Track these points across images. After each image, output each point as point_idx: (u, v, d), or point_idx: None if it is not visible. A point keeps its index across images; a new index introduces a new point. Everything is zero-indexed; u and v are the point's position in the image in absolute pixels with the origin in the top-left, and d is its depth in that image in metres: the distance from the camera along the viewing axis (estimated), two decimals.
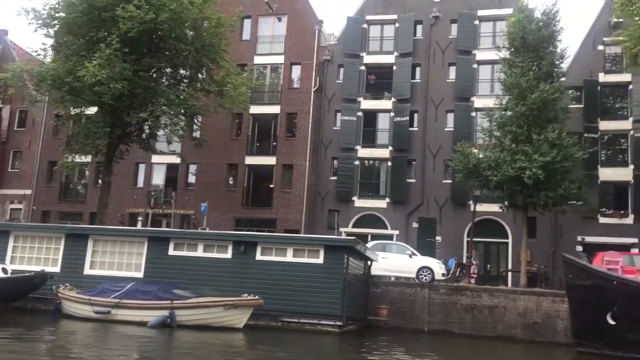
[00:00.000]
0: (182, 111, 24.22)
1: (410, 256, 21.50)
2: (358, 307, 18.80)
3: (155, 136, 25.69)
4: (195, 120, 26.40)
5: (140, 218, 28.06)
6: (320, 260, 16.95)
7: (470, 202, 26.10)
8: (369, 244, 22.20)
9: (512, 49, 22.14)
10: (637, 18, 19.94)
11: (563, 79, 26.69)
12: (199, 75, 24.67)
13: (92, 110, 24.95)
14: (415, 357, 14.78)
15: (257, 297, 15.76)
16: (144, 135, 24.99)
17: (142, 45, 23.20)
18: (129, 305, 15.70)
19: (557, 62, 21.95)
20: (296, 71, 31.10)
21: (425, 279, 21.02)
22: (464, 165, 21.73)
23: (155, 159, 31.25)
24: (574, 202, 21.73)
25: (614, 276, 15.49)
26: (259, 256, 17.42)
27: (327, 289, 16.57)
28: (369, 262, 20.22)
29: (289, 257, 17.25)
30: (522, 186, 20.30)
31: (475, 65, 28.71)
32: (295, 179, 29.96)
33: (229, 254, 17.62)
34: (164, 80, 23.96)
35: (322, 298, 16.52)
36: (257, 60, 31.49)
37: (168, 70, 24.86)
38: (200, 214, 28.31)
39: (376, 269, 21.49)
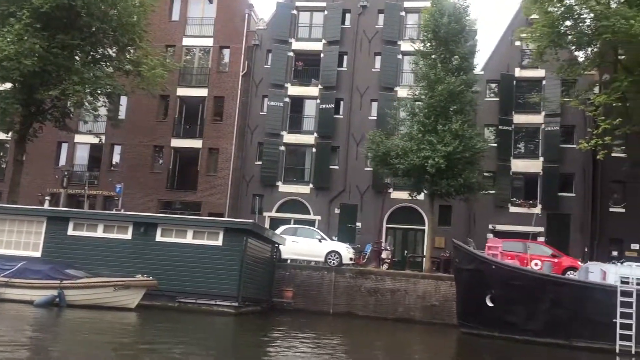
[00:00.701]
0: (98, 91, 23.74)
1: (320, 240, 22.00)
2: (261, 289, 19.16)
3: (69, 115, 25.11)
4: (113, 100, 25.90)
5: (47, 198, 27.44)
6: (219, 242, 17.18)
7: (390, 189, 26.96)
8: (280, 229, 22.57)
9: (426, 41, 22.76)
10: (537, 16, 20.88)
11: (482, 72, 27.90)
12: (115, 54, 24.21)
13: (7, 86, 24.12)
14: (308, 336, 15.20)
15: (150, 277, 15.83)
16: (58, 113, 24.37)
17: (56, 22, 22.57)
18: (17, 285, 15.50)
19: (467, 57, 22.66)
20: (225, 55, 30.93)
21: (333, 263, 21.59)
22: (375, 153, 22.31)
23: (78, 138, 30.59)
24: (481, 191, 22.66)
25: (493, 261, 16.39)
26: (159, 237, 17.49)
27: (224, 270, 16.83)
28: (276, 246, 20.56)
29: (189, 238, 17.40)
30: (426, 175, 21.05)
31: (399, 56, 29.31)
32: (220, 163, 29.98)
33: (129, 235, 17.61)
34: (77, 59, 23.34)
35: (219, 279, 16.77)
36: (186, 41, 31.16)
37: (87, 48, 24.26)
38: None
39: (287, 253, 21.94)
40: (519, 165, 28.15)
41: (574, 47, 22.40)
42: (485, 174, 25.17)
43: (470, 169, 21.27)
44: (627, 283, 15.12)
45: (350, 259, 21.86)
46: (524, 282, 15.59)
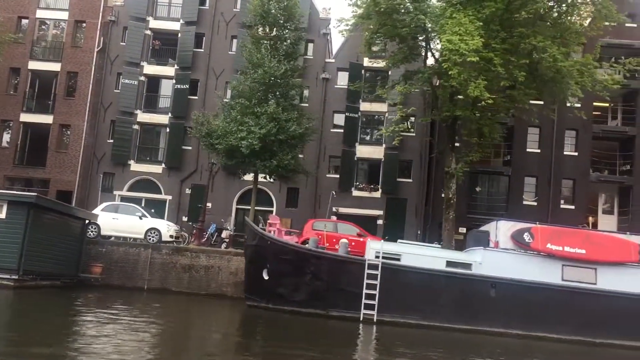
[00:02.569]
0: None
1: (140, 218, 22.22)
2: (62, 264, 19.20)
3: None
4: None
5: None
6: (2, 215, 17.03)
7: (240, 171, 27.46)
8: (101, 205, 22.60)
9: (256, 26, 23.28)
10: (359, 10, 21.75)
11: (333, 60, 28.77)
12: None
13: None
14: (95, 310, 15.28)
15: None
16: None
17: None
18: None
19: (296, 44, 23.38)
20: (80, 30, 30.24)
21: (153, 240, 21.89)
22: (199, 134, 22.70)
23: None
24: (298, 173, 23.54)
25: (269, 237, 17.26)
26: None
27: (6, 243, 16.73)
28: (89, 222, 20.61)
29: None
30: (243, 156, 21.69)
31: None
32: (72, 139, 29.46)
33: None
34: None
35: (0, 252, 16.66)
36: (40, 14, 30.21)
37: None
38: None
39: (107, 230, 22.02)
40: (363, 151, 29.38)
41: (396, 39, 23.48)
42: (300, 156, 25.98)
43: (286, 151, 22.02)
44: (395, 259, 16.31)
45: (171, 236, 22.22)
46: (291, 256, 16.52)
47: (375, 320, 15.65)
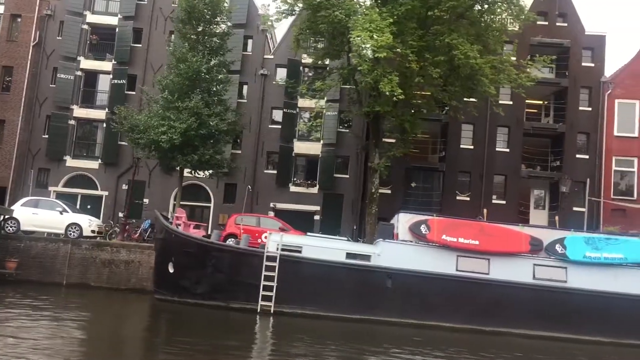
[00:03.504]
0: None
1: (61, 213, 22.07)
2: None
3: None
4: None
5: None
6: None
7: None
8: (21, 201, 22.43)
9: (182, 21, 23.28)
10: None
11: (272, 57, 28.85)
12: None
13: None
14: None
15: None
16: None
17: None
18: None
19: (221, 39, 23.46)
20: (16, 24, 29.90)
21: (73, 235, 21.77)
22: (122, 128, 22.66)
23: None
24: (221, 168, 23.63)
25: (173, 230, 17.33)
26: None
27: None
28: (2, 217, 20.43)
29: None
30: (164, 150, 21.70)
31: (194, 36, 29.58)
32: (6, 135, 29.14)
33: None
34: None
35: None
36: None
37: None
38: None
39: (27, 225, 21.85)
40: (301, 147, 29.54)
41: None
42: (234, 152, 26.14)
43: (208, 146, 22.06)
44: (296, 251, 16.51)
45: (93, 231, 22.12)
46: (194, 249, 16.62)
47: (272, 311, 15.83)
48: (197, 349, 11.24)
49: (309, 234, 18.50)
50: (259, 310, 15.79)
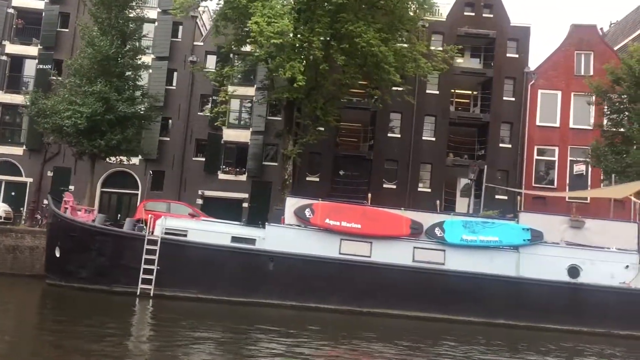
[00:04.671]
0: None
1: None
2: None
3: None
4: None
5: None
6: None
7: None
8: None
9: (95, 4, 23.01)
10: None
11: (202, 43, 28.67)
12: None
13: None
14: None
15: None
16: None
17: None
18: None
19: (132, 25, 23.31)
20: None
21: None
22: (30, 113, 22.39)
23: None
24: (128, 155, 23.50)
25: (59, 214, 17.22)
26: None
27: None
28: None
29: None
30: (70, 135, 21.50)
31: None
32: None
33: None
34: None
35: None
36: None
37: None
38: None
39: None
40: (230, 134, 29.50)
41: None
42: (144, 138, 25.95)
43: (116, 132, 21.89)
44: (182, 235, 16.56)
45: (0, 217, 21.88)
46: (78, 233, 16.55)
47: (152, 294, 15.86)
48: (71, 334, 11.19)
49: (203, 219, 18.47)
50: (138, 293, 15.82)
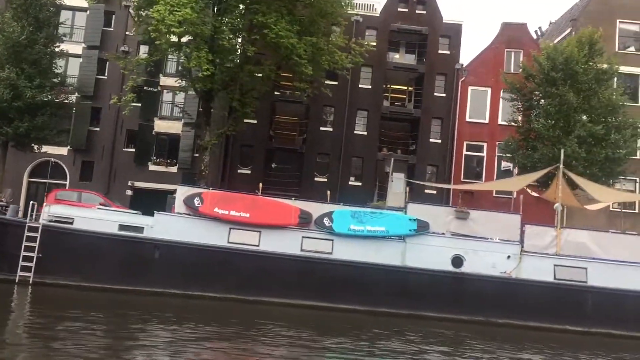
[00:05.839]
0: None
1: None
2: None
3: None
4: None
5: None
6: None
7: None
8: None
9: None
10: None
11: (133, 33, 28.37)
12: None
13: None
14: None
15: None
16: None
17: None
18: None
19: (48, 12, 23.01)
20: None
21: None
22: None
23: None
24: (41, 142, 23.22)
25: None
26: None
27: None
28: None
29: None
30: None
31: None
32: None
33: None
34: None
35: None
36: None
37: None
38: None
39: None
40: (162, 125, 29.27)
41: None
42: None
43: (26, 119, 21.54)
44: (68, 222, 16.29)
45: None
46: None
47: (31, 282, 15.64)
48: None
49: (98, 207, 18.23)
50: (16, 280, 15.58)
